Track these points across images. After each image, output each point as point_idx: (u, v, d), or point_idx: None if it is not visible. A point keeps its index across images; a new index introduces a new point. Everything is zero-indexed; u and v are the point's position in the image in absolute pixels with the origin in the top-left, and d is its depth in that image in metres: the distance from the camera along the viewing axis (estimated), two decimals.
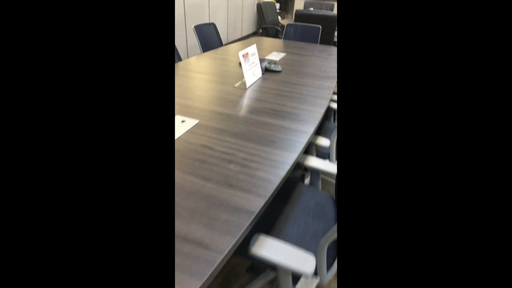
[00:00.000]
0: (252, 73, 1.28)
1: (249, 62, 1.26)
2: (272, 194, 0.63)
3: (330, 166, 0.94)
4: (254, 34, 5.44)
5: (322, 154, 1.22)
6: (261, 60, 1.48)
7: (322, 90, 1.26)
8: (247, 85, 1.23)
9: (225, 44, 2.13)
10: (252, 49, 1.29)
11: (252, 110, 1.02)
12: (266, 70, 1.48)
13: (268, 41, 2.28)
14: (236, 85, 1.25)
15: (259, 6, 3.31)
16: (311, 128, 0.93)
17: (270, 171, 0.70)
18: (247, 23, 5.10)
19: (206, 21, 3.72)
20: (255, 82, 1.31)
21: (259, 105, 1.07)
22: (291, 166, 0.73)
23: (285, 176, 0.69)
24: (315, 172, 0.98)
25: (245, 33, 5.11)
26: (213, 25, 2.11)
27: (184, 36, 3.21)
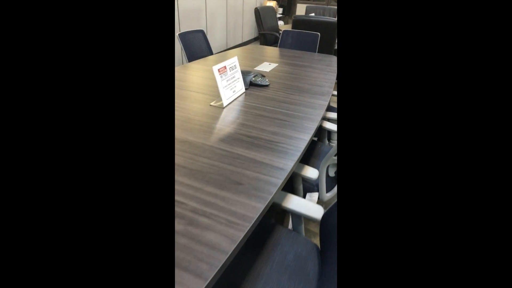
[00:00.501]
0: (231, 89, 1.12)
1: (228, 77, 1.10)
2: (218, 272, 0.46)
3: (314, 210, 0.76)
4: (256, 39, 5.30)
5: (310, 185, 1.05)
6: (247, 73, 1.32)
7: (312, 110, 1.09)
8: (224, 104, 1.07)
9: (224, 51, 1.98)
10: (232, 62, 1.13)
11: (223, 137, 0.86)
12: (251, 84, 1.31)
13: (261, 49, 2.12)
14: (212, 103, 1.09)
15: (257, 11, 3.17)
16: (291, 162, 0.76)
17: (225, 231, 0.53)
18: (248, 28, 4.97)
19: (203, 26, 3.59)
20: (236, 99, 1.14)
21: (233, 130, 0.90)
22: (254, 223, 0.56)
23: (242, 239, 0.52)
24: (297, 215, 0.80)
25: (246, 39, 4.98)
26: (202, 32, 1.96)
27: (177, 44, 3.07)
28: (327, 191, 1.03)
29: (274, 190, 0.65)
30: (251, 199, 0.62)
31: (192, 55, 1.83)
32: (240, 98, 1.16)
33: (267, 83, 1.33)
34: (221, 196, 0.62)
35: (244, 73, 1.32)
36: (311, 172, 0.95)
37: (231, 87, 1.11)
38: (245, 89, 1.26)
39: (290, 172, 0.73)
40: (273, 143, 0.84)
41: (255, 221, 0.57)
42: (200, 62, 1.66)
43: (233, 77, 1.14)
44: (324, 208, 0.77)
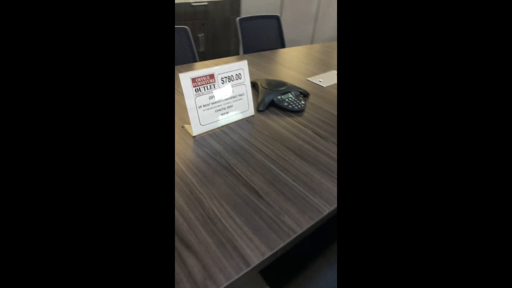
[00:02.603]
0: (218, 110, 0.72)
1: (217, 93, 0.71)
2: None
3: None
4: None
5: None
6: (275, 86, 0.87)
7: (330, 183, 0.58)
8: (194, 133, 0.69)
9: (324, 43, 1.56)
10: (231, 69, 0.72)
11: None
12: (273, 105, 0.87)
13: None
14: (186, 125, 0.73)
15: None
16: None
17: None
18: None
19: (312, 12, 3.09)
20: (225, 126, 0.74)
21: None
22: None
23: None
24: None
25: None
26: (276, 18, 1.56)
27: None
28: None
29: None
30: None
31: (253, 47, 1.48)
32: (235, 125, 0.75)
33: (301, 108, 0.85)
34: None
35: (271, 86, 0.88)
36: None
37: (218, 107, 0.72)
38: (259, 110, 0.83)
39: None
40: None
41: None
42: (251, 58, 1.29)
43: (227, 93, 0.73)
44: None
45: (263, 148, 0.67)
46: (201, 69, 0.67)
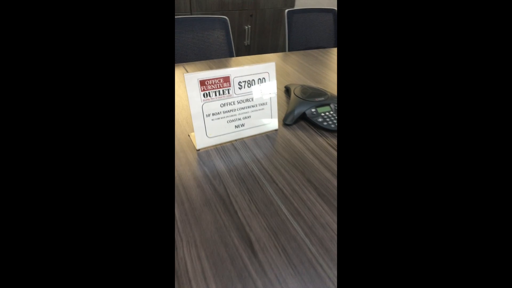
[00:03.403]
0: (231, 121, 0.59)
1: (232, 98, 0.57)
2: None
3: None
4: None
5: None
6: (311, 95, 0.71)
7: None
8: (198, 146, 0.57)
9: None
10: (252, 72, 0.58)
11: None
12: (303, 119, 0.70)
13: None
14: (192, 134, 0.62)
15: None
16: None
17: None
18: None
19: None
20: (240, 140, 0.61)
21: None
22: None
23: None
24: None
25: None
26: (332, 12, 1.35)
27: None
28: None
29: None
30: None
31: (300, 43, 1.30)
32: (251, 141, 0.61)
33: (334, 127, 0.67)
34: None
35: (305, 95, 0.72)
36: None
37: (232, 118, 0.59)
38: (286, 124, 0.68)
39: None
40: None
41: None
42: (294, 57, 1.12)
43: (251, 99, 0.59)
44: None
45: (277, 177, 0.53)
46: (214, 70, 0.54)
